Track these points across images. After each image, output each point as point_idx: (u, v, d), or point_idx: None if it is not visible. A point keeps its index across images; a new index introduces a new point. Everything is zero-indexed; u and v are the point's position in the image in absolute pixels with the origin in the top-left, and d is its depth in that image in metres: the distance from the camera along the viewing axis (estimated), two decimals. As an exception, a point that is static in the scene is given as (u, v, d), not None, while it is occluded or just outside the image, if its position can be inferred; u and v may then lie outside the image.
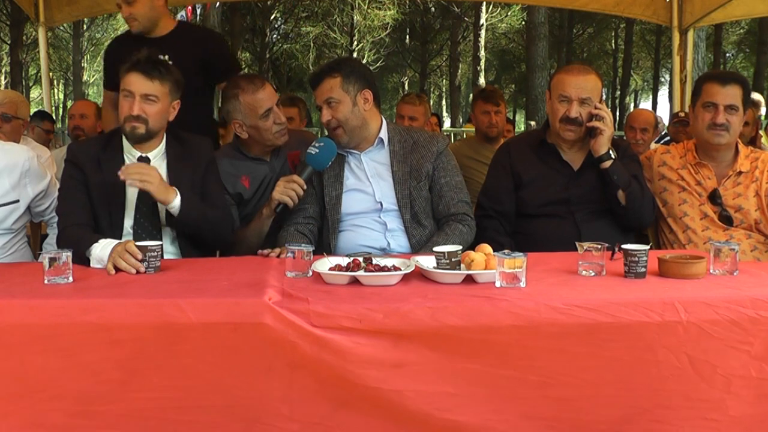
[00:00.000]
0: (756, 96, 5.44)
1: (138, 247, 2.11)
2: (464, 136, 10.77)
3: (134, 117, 2.45)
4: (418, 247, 2.61)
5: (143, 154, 2.53)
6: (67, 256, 1.97)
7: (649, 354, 1.78)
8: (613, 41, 29.31)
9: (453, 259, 1.98)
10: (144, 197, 2.49)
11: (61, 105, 32.09)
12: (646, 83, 34.72)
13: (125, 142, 2.54)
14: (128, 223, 2.51)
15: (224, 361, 1.75)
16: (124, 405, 1.76)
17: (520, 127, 19.93)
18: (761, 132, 4.92)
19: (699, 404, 1.81)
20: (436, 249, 2.03)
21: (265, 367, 1.75)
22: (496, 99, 4.45)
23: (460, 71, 24.62)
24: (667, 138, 6.41)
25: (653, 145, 4.93)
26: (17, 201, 2.62)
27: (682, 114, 5.21)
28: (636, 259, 1.99)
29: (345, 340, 1.72)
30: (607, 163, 2.66)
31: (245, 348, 1.74)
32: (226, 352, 1.74)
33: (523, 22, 21.07)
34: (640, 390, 1.80)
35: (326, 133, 2.75)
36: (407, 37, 27.15)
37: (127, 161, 2.52)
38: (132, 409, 1.76)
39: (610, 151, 2.66)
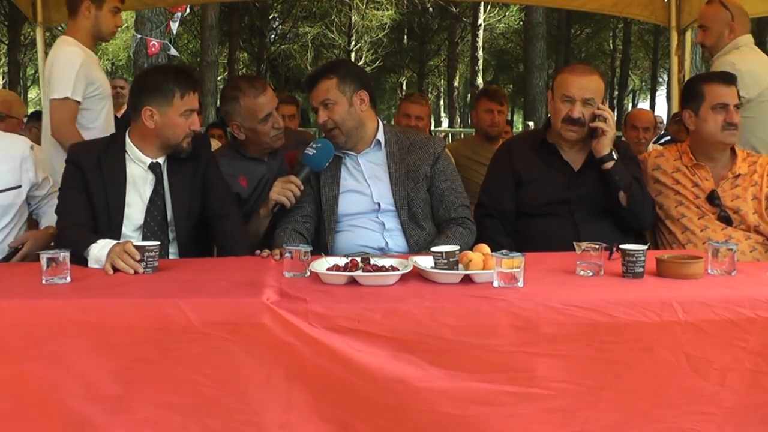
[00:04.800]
0: None
1: (136, 247, 2.10)
2: (462, 136, 10.76)
3: (194, 131, 2.55)
4: (416, 248, 2.61)
5: (154, 160, 2.55)
6: (64, 256, 1.97)
7: (647, 354, 1.78)
8: (611, 41, 29.33)
9: (451, 259, 1.97)
10: (155, 199, 2.52)
11: (58, 105, 32.02)
12: (644, 83, 34.72)
13: (130, 146, 2.55)
14: (127, 224, 2.52)
15: (220, 369, 1.74)
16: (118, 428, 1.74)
17: (518, 127, 19.94)
18: None
19: (694, 399, 1.81)
20: (434, 249, 2.03)
21: (263, 379, 1.74)
22: (500, 98, 4.46)
23: (458, 71, 24.65)
24: (668, 137, 6.43)
25: (650, 146, 4.94)
26: (20, 186, 2.67)
27: None
28: (634, 259, 1.99)
29: (343, 343, 1.72)
30: (609, 164, 2.66)
31: (243, 350, 1.73)
32: (223, 355, 1.73)
33: (521, 22, 21.08)
34: (639, 392, 1.80)
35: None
36: (405, 37, 27.12)
37: (128, 164, 2.54)
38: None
39: (613, 152, 2.67)
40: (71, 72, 3.18)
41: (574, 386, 1.78)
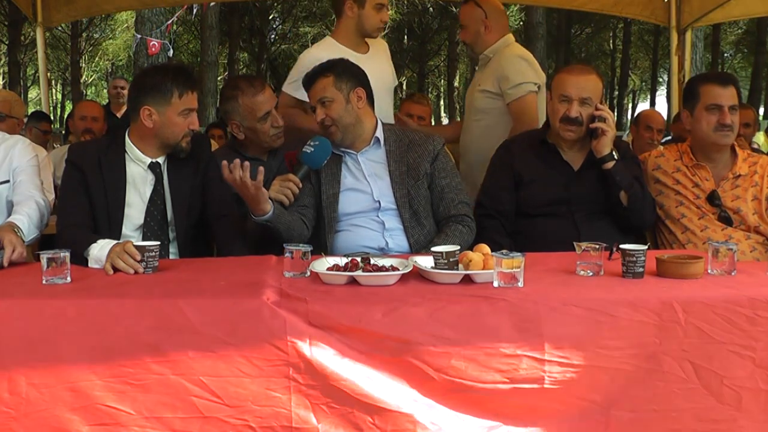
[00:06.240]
0: None
1: (136, 247, 2.10)
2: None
3: (193, 131, 2.55)
4: (417, 247, 2.61)
5: (154, 160, 2.55)
6: (65, 256, 1.97)
7: (653, 363, 1.77)
8: (611, 41, 29.32)
9: (451, 259, 1.97)
10: (155, 198, 2.52)
11: (59, 105, 32.07)
12: (644, 83, 34.72)
13: (130, 146, 2.55)
14: (127, 224, 2.52)
15: (217, 376, 1.72)
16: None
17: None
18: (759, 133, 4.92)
19: (711, 426, 1.78)
20: (434, 249, 2.03)
21: (262, 390, 1.72)
22: None
23: (458, 71, 24.65)
24: (668, 137, 6.44)
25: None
26: (8, 181, 2.63)
27: None
28: (634, 259, 1.99)
29: (343, 345, 1.72)
30: (610, 164, 2.66)
31: (241, 355, 1.72)
32: (222, 362, 1.72)
33: (522, 23, 21.07)
34: (652, 413, 1.77)
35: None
36: (405, 37, 27.14)
37: (128, 164, 2.54)
38: None
39: (613, 152, 2.67)
40: (296, 71, 3.38)
41: (584, 402, 1.76)
